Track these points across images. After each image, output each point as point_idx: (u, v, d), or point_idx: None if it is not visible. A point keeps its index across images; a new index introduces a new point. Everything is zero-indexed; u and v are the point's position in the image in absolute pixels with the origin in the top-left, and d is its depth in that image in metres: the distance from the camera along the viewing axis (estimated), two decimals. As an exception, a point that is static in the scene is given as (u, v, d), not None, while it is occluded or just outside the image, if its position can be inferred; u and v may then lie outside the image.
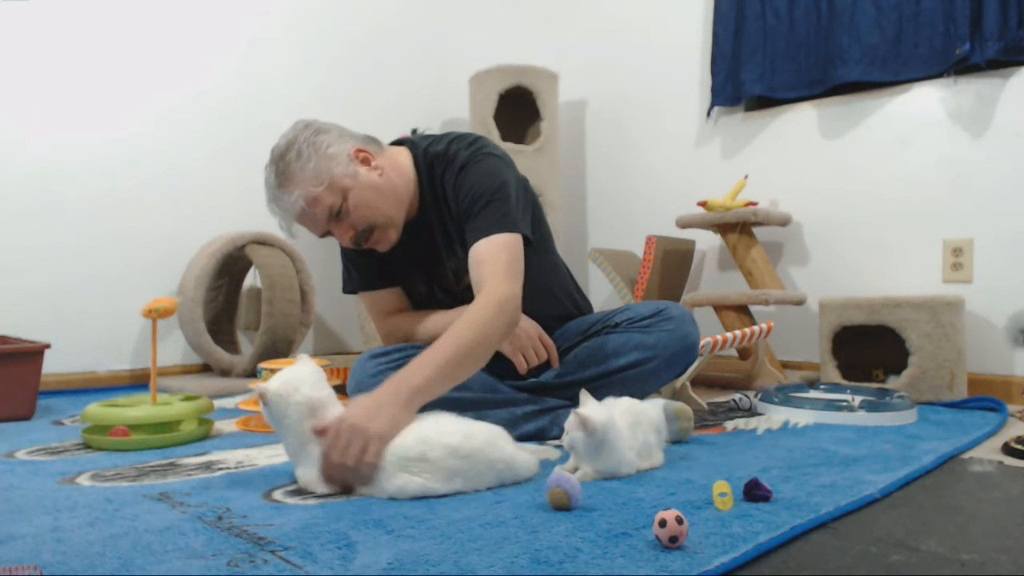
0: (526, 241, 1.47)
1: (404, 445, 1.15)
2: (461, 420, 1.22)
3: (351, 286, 1.70)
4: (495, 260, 1.41)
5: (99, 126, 2.56)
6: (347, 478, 1.15)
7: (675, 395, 1.95)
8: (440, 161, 1.55)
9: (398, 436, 1.16)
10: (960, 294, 2.22)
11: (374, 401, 1.20)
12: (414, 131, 1.65)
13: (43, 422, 1.89)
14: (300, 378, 1.20)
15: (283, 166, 1.41)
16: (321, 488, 1.17)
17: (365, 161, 1.47)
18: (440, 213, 1.56)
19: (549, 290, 1.70)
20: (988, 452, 1.52)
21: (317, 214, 1.43)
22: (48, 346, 1.99)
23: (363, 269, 1.65)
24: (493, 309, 1.34)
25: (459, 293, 1.61)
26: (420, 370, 1.25)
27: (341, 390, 2.02)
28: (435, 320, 1.61)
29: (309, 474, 1.18)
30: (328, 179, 1.41)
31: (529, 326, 1.57)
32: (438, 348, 1.28)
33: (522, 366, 1.56)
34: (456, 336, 1.29)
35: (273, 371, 1.97)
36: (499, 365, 1.53)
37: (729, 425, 1.77)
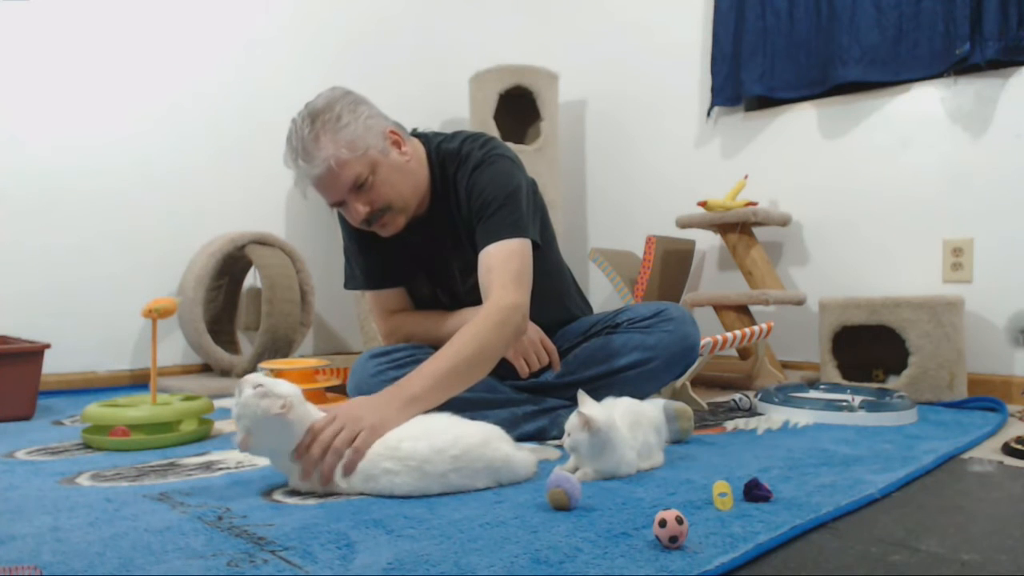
0: (534, 245, 1.48)
1: (392, 442, 1.16)
2: (455, 420, 1.22)
3: (353, 283, 1.70)
4: (504, 268, 1.42)
5: (99, 126, 2.56)
6: (329, 465, 1.14)
7: (675, 395, 1.95)
8: (453, 159, 1.55)
9: (388, 433, 1.17)
10: (960, 294, 2.22)
11: (369, 401, 1.24)
12: (414, 131, 1.65)
13: (43, 422, 1.89)
14: (254, 405, 1.13)
15: (320, 123, 1.40)
16: (303, 484, 1.16)
17: (396, 144, 1.48)
18: (449, 210, 1.56)
19: (553, 293, 1.70)
20: (988, 452, 1.52)
21: (342, 179, 1.41)
22: (48, 346, 1.99)
23: (366, 267, 1.65)
24: (497, 319, 1.36)
25: (462, 294, 1.61)
26: (419, 379, 1.27)
27: (341, 390, 2.02)
28: (440, 323, 1.61)
29: (296, 482, 1.18)
30: (364, 148, 1.41)
31: (531, 330, 1.57)
32: (439, 358, 1.30)
33: (523, 370, 1.56)
34: (457, 348, 1.31)
35: (273, 371, 1.97)
36: (500, 366, 1.52)
37: (729, 425, 1.77)
